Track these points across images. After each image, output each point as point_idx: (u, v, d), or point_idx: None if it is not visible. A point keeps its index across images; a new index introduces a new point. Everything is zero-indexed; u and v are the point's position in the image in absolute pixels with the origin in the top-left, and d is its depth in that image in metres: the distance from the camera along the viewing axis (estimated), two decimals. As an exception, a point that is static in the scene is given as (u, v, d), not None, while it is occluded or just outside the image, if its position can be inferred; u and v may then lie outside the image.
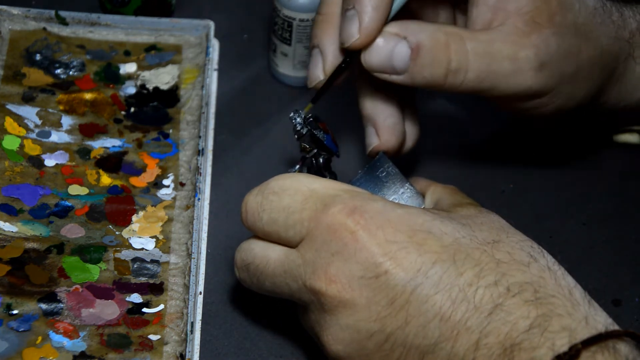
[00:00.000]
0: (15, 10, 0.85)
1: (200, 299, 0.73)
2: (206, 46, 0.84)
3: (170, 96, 0.83)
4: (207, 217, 0.78)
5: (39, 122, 0.80)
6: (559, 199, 0.82)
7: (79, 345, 0.69)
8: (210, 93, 0.83)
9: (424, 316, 0.60)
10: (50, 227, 0.75)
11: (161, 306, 0.72)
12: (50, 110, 0.81)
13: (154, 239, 0.75)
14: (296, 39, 0.84)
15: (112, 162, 0.79)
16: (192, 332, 0.69)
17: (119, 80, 0.84)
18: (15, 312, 0.70)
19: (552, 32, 0.70)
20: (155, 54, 0.85)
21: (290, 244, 0.64)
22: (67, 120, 0.81)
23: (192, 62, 0.85)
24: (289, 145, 0.79)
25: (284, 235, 0.64)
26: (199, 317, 0.73)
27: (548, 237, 0.79)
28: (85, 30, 0.86)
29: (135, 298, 0.72)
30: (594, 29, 0.73)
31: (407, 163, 0.78)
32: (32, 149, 0.79)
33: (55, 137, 0.80)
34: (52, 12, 0.85)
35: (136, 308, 0.72)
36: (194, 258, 0.72)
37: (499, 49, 0.70)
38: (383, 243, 0.61)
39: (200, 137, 0.78)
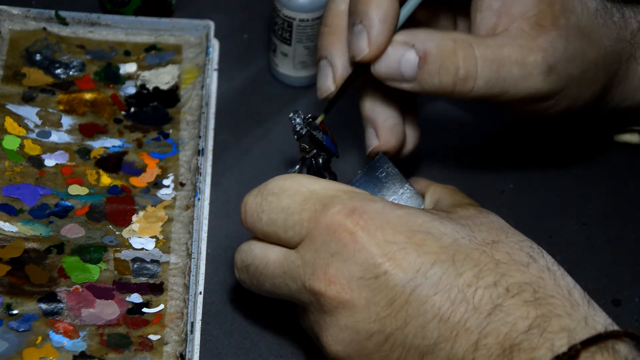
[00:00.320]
0: (15, 10, 0.85)
1: (200, 299, 0.73)
2: (206, 46, 0.84)
3: (170, 96, 0.83)
4: (207, 217, 0.78)
5: (39, 122, 0.81)
6: (559, 199, 0.82)
7: (79, 345, 0.69)
8: (210, 93, 0.83)
9: (423, 317, 0.60)
10: (50, 227, 0.75)
11: (161, 306, 0.72)
12: (50, 110, 0.81)
13: (154, 239, 0.75)
14: (296, 39, 0.84)
15: (112, 162, 0.79)
16: (192, 332, 0.69)
17: (119, 80, 0.84)
18: (15, 312, 0.70)
19: (558, 35, 0.70)
20: (155, 54, 0.85)
21: (290, 245, 0.64)
22: (67, 120, 0.81)
23: (192, 62, 0.85)
24: (289, 145, 0.79)
25: (284, 236, 0.64)
26: (199, 317, 0.73)
27: (548, 237, 0.79)
28: (85, 30, 0.86)
29: (135, 298, 0.72)
30: (597, 30, 0.73)
31: (407, 163, 0.78)
32: (32, 149, 0.79)
33: (55, 137, 0.80)
34: (52, 12, 0.85)
35: (136, 308, 0.72)
36: (194, 258, 0.72)
37: (508, 54, 0.70)
38: (382, 244, 0.61)
39: (200, 137, 0.78)
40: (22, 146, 0.79)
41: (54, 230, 0.75)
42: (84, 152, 0.79)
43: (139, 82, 0.84)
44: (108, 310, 0.71)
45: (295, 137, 0.72)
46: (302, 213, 0.63)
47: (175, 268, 0.74)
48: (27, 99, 0.82)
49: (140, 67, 0.85)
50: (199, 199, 0.75)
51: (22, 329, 0.69)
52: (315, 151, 0.73)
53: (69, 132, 0.81)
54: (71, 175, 0.78)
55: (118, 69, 0.84)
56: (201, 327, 0.72)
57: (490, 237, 0.63)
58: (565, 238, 0.80)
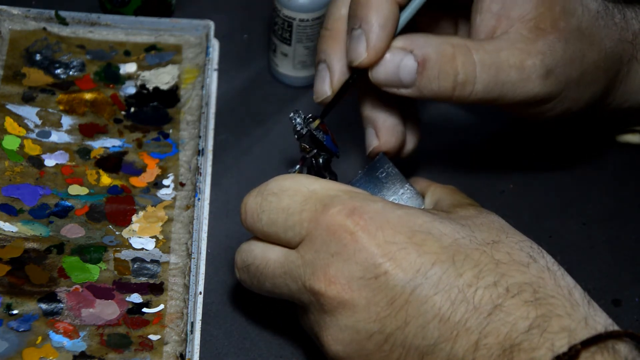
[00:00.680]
0: (15, 10, 0.84)
1: (200, 299, 0.73)
2: (206, 46, 0.84)
3: (170, 96, 0.83)
4: (207, 217, 0.78)
5: (39, 122, 0.81)
6: (559, 199, 0.82)
7: (79, 345, 0.69)
8: (210, 93, 0.83)
9: (424, 317, 0.60)
10: (50, 227, 0.75)
11: (161, 306, 0.72)
12: (50, 110, 0.81)
13: (154, 239, 0.75)
14: (296, 39, 0.84)
15: (112, 162, 0.79)
16: (192, 332, 0.69)
17: (119, 80, 0.84)
18: (15, 312, 0.70)
19: (556, 38, 0.70)
20: (155, 54, 0.85)
21: (290, 245, 0.64)
22: (67, 120, 0.81)
23: (192, 62, 0.85)
24: (289, 145, 0.79)
25: (284, 236, 0.64)
26: (199, 317, 0.73)
27: (548, 237, 0.79)
28: (85, 30, 0.85)
29: (135, 298, 0.72)
30: (598, 32, 0.73)
31: (407, 163, 0.78)
32: (32, 149, 0.79)
33: (55, 137, 0.80)
34: (52, 12, 0.85)
35: (136, 308, 0.72)
36: (194, 258, 0.72)
37: (506, 58, 0.70)
38: (382, 244, 0.61)
39: (200, 137, 0.78)
40: (22, 146, 0.79)
41: (54, 230, 0.75)
42: (84, 152, 0.79)
43: (139, 82, 0.84)
44: (108, 310, 0.71)
45: (296, 136, 0.72)
46: (302, 213, 0.63)
47: (175, 268, 0.74)
48: (27, 99, 0.82)
49: (140, 67, 0.85)
50: (199, 199, 0.75)
51: (22, 329, 0.69)
52: (315, 151, 0.73)
53: (69, 132, 0.81)
54: (71, 175, 0.78)
55: (118, 69, 0.84)
56: (201, 327, 0.72)
57: (491, 237, 0.63)
58: (565, 238, 0.80)
